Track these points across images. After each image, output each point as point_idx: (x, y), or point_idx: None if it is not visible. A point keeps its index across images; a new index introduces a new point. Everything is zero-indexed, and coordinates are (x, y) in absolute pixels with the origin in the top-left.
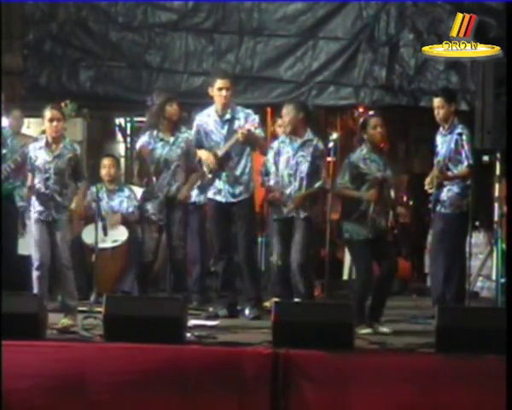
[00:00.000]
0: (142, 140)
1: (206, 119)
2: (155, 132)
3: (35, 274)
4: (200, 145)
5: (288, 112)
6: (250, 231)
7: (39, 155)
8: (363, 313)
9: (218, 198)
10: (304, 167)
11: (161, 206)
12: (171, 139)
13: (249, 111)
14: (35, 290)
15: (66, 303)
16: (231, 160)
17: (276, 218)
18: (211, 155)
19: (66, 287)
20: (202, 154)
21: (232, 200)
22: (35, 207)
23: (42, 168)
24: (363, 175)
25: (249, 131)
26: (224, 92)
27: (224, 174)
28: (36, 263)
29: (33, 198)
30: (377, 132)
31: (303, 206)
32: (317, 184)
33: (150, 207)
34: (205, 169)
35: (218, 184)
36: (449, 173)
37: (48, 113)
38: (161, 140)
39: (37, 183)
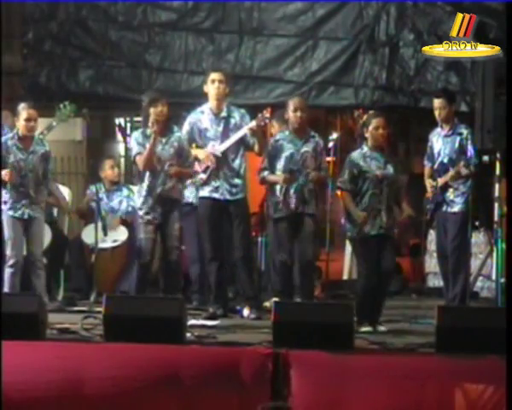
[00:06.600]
0: (134, 136)
1: (200, 116)
2: (148, 131)
3: (8, 271)
4: (192, 143)
5: (301, 107)
6: (247, 230)
7: (11, 152)
8: (365, 311)
9: (216, 196)
10: (309, 162)
11: (156, 205)
12: (164, 139)
13: (243, 111)
14: (7, 287)
15: None
16: (229, 158)
17: (283, 215)
18: (210, 155)
19: (37, 285)
20: (199, 153)
21: (230, 198)
22: (9, 203)
23: (17, 166)
24: (363, 173)
25: (258, 127)
26: (216, 84)
27: (221, 172)
28: (11, 261)
29: (6, 194)
30: (378, 134)
31: (310, 201)
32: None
33: (145, 206)
34: (197, 168)
35: (216, 181)
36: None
37: (24, 112)
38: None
39: (14, 180)
